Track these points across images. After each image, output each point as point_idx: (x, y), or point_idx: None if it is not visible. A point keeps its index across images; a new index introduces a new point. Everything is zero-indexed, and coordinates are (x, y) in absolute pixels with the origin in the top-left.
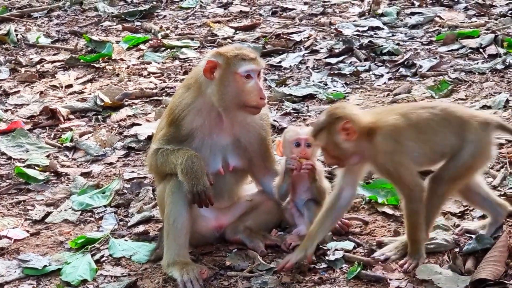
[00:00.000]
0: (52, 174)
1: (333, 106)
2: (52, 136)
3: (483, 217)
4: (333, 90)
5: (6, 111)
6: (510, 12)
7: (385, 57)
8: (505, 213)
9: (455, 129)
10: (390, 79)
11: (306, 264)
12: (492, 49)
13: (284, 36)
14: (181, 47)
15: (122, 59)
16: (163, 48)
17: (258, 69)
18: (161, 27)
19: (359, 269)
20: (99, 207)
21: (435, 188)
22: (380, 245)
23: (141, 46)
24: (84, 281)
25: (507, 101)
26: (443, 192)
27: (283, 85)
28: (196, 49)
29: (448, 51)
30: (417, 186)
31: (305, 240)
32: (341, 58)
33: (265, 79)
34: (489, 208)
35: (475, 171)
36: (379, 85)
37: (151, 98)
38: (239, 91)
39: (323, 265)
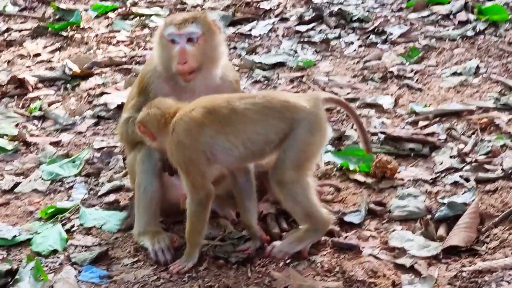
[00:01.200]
0: (21, 144)
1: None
2: (20, 105)
3: (454, 184)
4: (303, 58)
5: None
6: None
7: (355, 24)
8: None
9: (280, 113)
10: (360, 46)
11: (277, 233)
12: (462, 16)
13: (254, 4)
14: (151, 15)
15: (90, 28)
16: (132, 16)
17: (179, 34)
18: None
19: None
20: (69, 177)
21: (281, 178)
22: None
23: (110, 14)
24: (55, 251)
25: (478, 67)
26: (292, 179)
27: (253, 53)
28: (165, 17)
29: (419, 17)
30: (203, 189)
31: (250, 232)
32: (311, 25)
33: (235, 48)
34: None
35: (316, 148)
36: (349, 53)
37: (120, 67)
38: (164, 55)
39: None
